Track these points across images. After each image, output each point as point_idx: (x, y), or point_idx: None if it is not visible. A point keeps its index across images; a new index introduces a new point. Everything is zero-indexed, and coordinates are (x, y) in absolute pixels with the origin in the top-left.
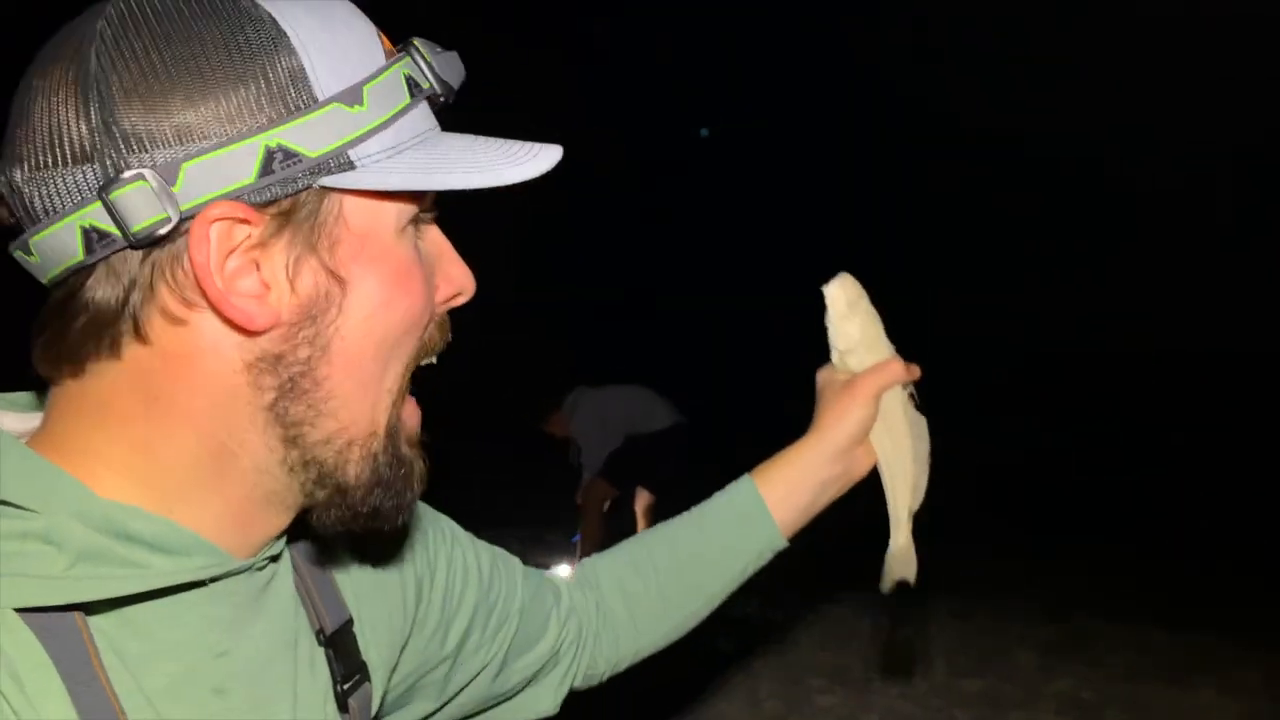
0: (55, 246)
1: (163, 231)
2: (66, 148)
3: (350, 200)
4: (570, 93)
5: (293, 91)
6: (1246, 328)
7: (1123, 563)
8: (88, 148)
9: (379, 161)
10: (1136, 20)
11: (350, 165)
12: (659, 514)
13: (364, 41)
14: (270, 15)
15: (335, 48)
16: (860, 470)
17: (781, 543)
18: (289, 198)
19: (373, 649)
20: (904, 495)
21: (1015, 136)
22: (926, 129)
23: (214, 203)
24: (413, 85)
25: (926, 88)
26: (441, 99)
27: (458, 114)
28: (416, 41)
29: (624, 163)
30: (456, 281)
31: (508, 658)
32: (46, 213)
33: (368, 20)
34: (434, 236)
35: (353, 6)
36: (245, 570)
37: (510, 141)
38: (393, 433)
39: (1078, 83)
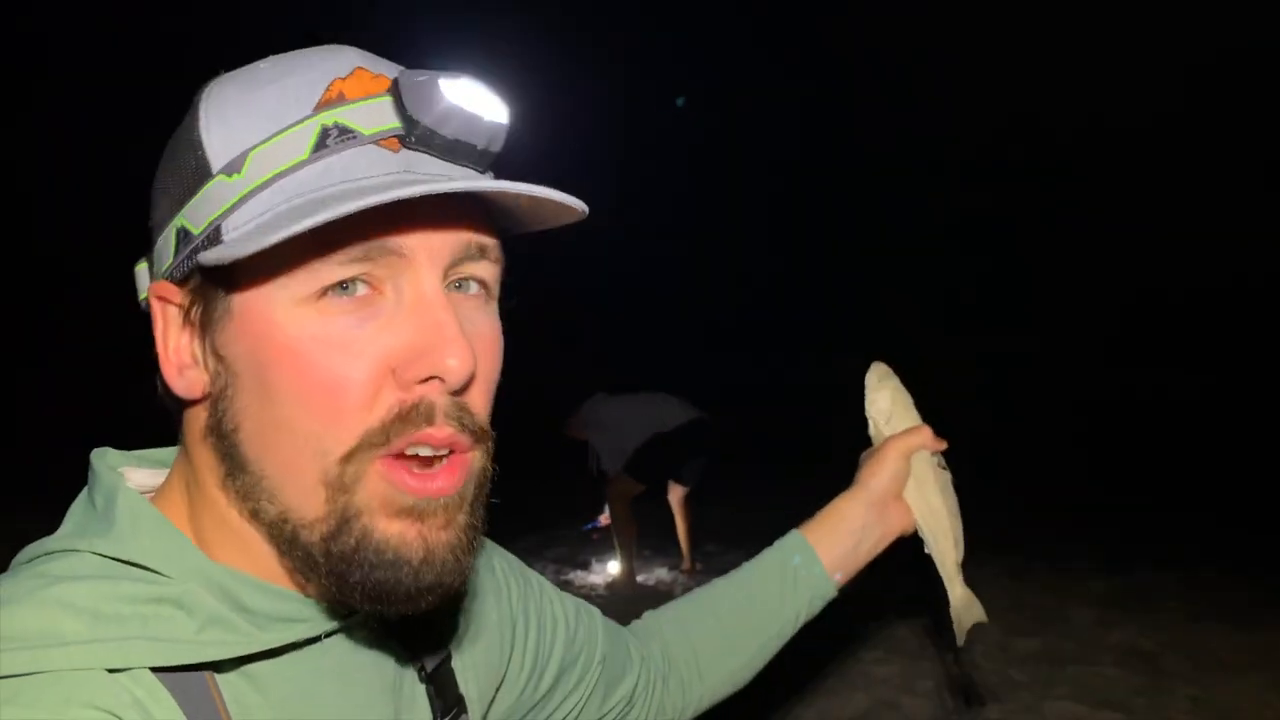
0: None
1: (144, 308)
2: None
3: (238, 273)
4: None
5: (195, 168)
6: None
7: (1180, 514)
8: None
9: (243, 228)
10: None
11: (218, 238)
12: (702, 512)
13: (288, 98)
14: (201, 93)
15: (241, 115)
16: (897, 525)
17: (830, 588)
18: (192, 277)
19: (470, 684)
20: (948, 550)
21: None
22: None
23: (158, 282)
24: (334, 134)
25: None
26: (413, 136)
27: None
28: (400, 77)
29: None
30: (429, 363)
31: (592, 699)
32: None
33: (322, 66)
34: (415, 304)
35: (308, 55)
36: (345, 627)
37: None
38: (348, 519)
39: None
